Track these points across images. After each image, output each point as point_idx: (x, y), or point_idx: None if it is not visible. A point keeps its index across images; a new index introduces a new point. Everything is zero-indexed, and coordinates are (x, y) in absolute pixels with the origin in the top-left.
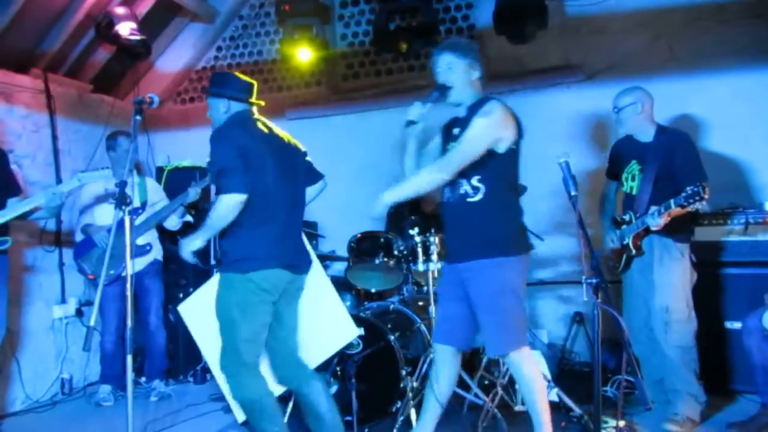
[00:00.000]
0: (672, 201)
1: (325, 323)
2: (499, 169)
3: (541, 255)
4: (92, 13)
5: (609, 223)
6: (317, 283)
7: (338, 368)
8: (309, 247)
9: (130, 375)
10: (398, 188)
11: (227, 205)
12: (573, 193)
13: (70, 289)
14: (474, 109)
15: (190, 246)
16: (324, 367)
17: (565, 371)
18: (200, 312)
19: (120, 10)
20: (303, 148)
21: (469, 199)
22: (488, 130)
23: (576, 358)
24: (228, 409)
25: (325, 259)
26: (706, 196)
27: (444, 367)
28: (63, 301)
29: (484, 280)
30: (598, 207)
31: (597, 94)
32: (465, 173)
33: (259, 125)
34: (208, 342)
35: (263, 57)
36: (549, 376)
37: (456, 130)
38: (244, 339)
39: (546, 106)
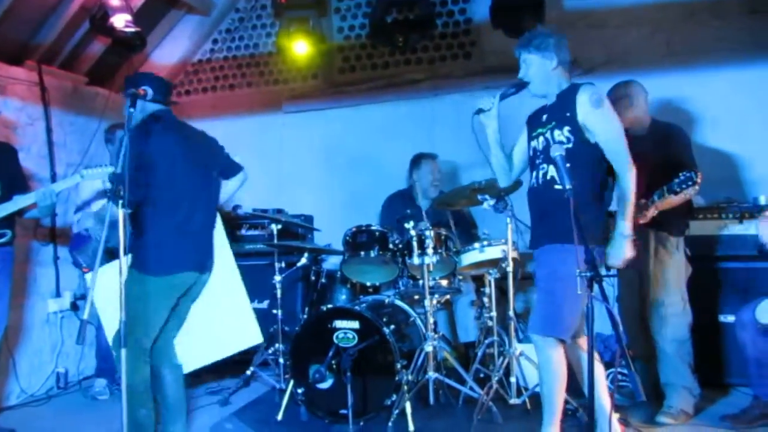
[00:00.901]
0: (665, 188)
1: (229, 323)
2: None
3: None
4: (87, 5)
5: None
6: (229, 283)
7: (333, 362)
8: (225, 242)
9: (124, 368)
10: (629, 213)
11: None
12: (568, 186)
13: (64, 283)
14: (566, 96)
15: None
16: (319, 360)
17: None
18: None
19: (115, 2)
20: (219, 144)
21: (555, 186)
22: (613, 113)
23: None
24: (224, 402)
25: (321, 252)
26: (699, 181)
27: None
28: (58, 294)
29: (543, 263)
30: None
31: None
32: (550, 159)
33: (171, 125)
34: (109, 315)
35: (259, 50)
36: None
37: (545, 117)
38: (144, 329)
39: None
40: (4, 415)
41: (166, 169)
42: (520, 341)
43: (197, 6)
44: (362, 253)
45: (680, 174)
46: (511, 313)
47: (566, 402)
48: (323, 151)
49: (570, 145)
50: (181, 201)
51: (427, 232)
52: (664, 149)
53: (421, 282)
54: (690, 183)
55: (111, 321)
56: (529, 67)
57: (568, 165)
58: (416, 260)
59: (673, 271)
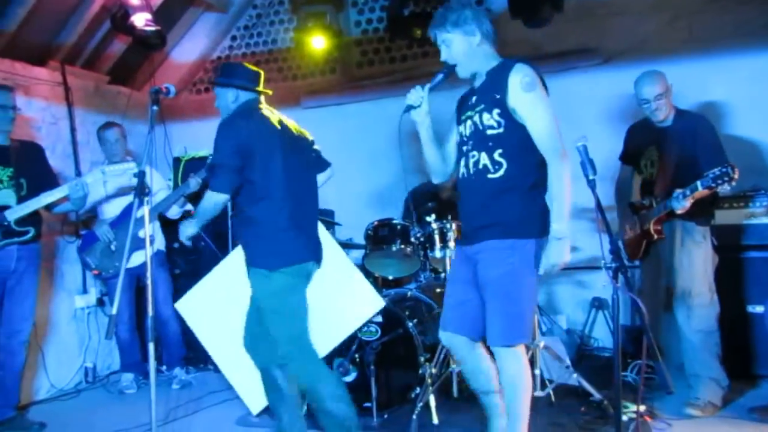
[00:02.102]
0: (699, 183)
1: (348, 297)
2: (527, 142)
3: None
4: (107, 4)
5: (626, 208)
6: (334, 258)
7: (357, 355)
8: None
9: (152, 363)
10: (561, 211)
11: (210, 202)
12: (591, 177)
13: (91, 279)
14: (497, 74)
15: (186, 231)
16: (343, 354)
17: (584, 357)
18: (201, 307)
19: (135, 1)
20: (311, 137)
21: (489, 175)
22: (545, 98)
23: (595, 344)
24: None
25: (343, 246)
26: (736, 176)
27: (466, 363)
28: (84, 291)
29: (494, 262)
30: (614, 193)
31: (615, 78)
32: (487, 147)
33: (267, 115)
34: (212, 337)
35: (277, 45)
36: (568, 362)
37: (474, 98)
38: (301, 325)
39: (562, 91)
40: (34, 409)
41: (265, 156)
42: (543, 334)
43: (215, 3)
44: (384, 246)
45: (715, 169)
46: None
47: (590, 394)
48: (342, 146)
49: (501, 130)
50: (289, 191)
51: (449, 225)
52: (691, 142)
53: (443, 275)
54: (726, 179)
55: (216, 345)
56: (450, 46)
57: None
58: (438, 253)
59: (701, 261)
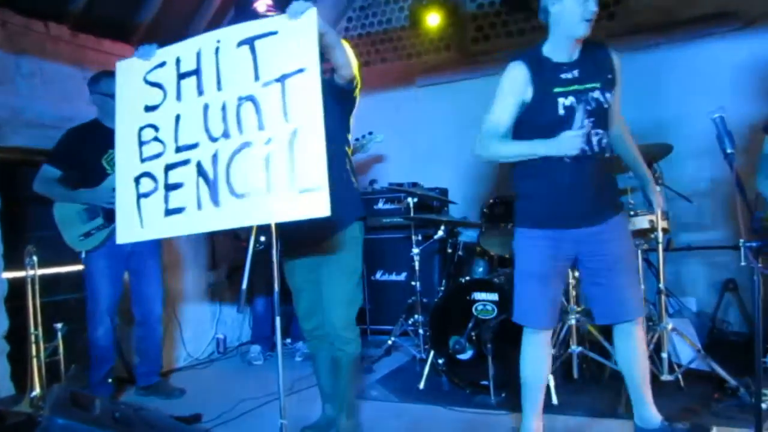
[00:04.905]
0: None
1: None
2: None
3: (688, 218)
4: None
5: None
6: None
7: (473, 333)
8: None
9: (279, 336)
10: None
11: None
12: (729, 150)
13: (220, 255)
14: (593, 51)
15: None
16: (459, 332)
17: (716, 341)
18: None
19: None
20: None
21: (607, 154)
22: None
23: (729, 328)
24: (369, 370)
25: (457, 225)
26: None
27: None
28: (215, 266)
29: (624, 237)
30: (756, 166)
31: (755, 43)
32: (606, 125)
33: None
34: None
35: (392, 25)
36: (699, 345)
37: (575, 72)
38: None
39: (696, 59)
40: (175, 375)
41: None
42: (670, 316)
43: None
44: (501, 224)
45: None
46: (661, 285)
47: (723, 381)
48: (457, 124)
49: (608, 109)
50: None
51: None
52: None
53: None
54: None
55: None
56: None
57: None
58: None
59: None
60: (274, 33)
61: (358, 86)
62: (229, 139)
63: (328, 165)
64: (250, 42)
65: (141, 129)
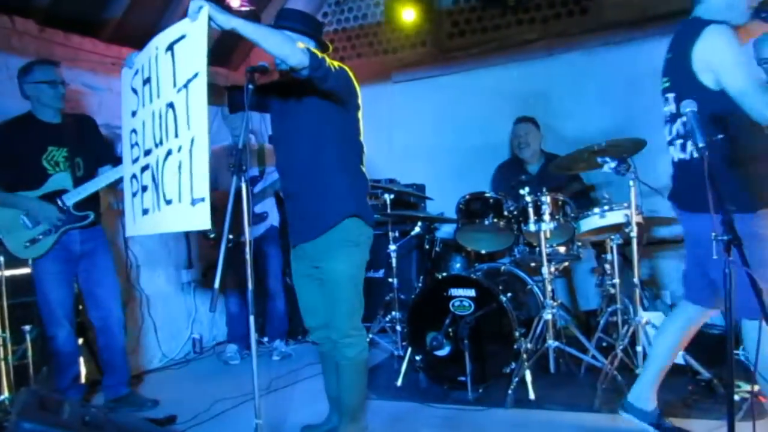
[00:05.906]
0: None
1: None
2: None
3: (663, 213)
4: None
5: None
6: None
7: (451, 329)
8: None
9: (253, 335)
10: None
11: None
12: (701, 144)
13: (195, 254)
14: None
15: None
16: (437, 328)
17: None
18: None
19: None
20: None
21: None
22: None
23: None
24: None
25: (434, 220)
26: None
27: None
28: (190, 265)
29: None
30: None
31: None
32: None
33: None
34: None
35: (368, 20)
36: None
37: None
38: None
39: None
40: (149, 377)
41: None
42: (645, 309)
43: None
44: (477, 220)
45: None
46: (636, 280)
47: (697, 373)
48: (433, 119)
49: None
50: None
51: (543, 198)
52: None
53: (537, 249)
54: None
55: None
56: None
57: None
58: (532, 227)
59: None
60: (184, 37)
61: (328, 69)
62: (161, 147)
63: (293, 164)
64: (171, 47)
65: (130, 133)
